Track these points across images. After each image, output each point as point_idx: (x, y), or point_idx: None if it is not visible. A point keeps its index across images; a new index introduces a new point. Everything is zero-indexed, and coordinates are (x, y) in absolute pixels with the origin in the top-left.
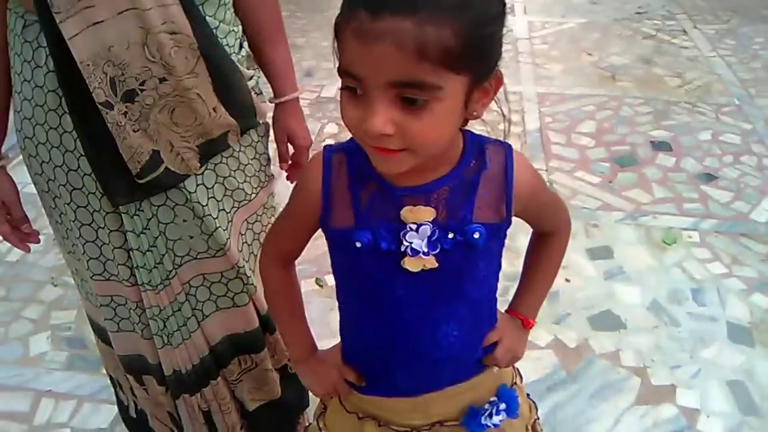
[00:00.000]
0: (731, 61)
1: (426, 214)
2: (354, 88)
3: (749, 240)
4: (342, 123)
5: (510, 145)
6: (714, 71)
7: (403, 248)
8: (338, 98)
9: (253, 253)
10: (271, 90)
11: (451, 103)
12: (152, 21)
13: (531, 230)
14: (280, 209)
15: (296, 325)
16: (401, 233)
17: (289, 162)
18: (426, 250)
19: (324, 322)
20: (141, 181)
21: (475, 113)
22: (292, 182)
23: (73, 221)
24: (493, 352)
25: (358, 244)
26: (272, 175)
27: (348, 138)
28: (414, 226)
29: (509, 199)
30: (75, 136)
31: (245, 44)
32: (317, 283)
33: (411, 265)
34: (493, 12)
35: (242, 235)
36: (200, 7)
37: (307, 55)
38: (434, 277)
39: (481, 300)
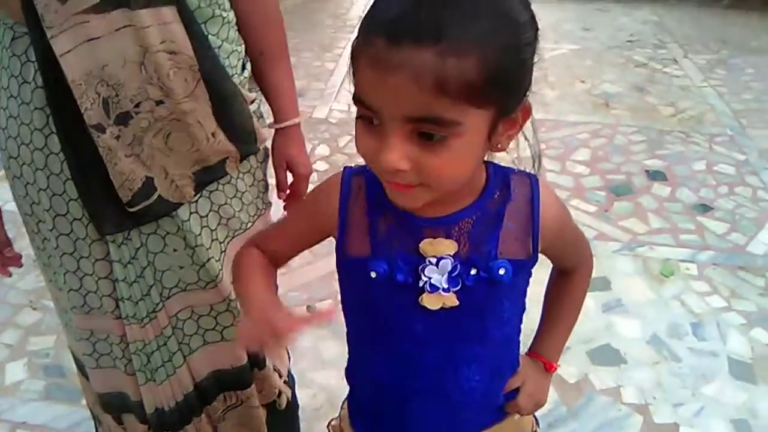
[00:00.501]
0: (723, 92)
1: (447, 247)
2: (369, 117)
3: (747, 273)
4: (333, 145)
5: (536, 177)
6: (706, 101)
7: (421, 283)
8: (329, 119)
9: None
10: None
11: (472, 138)
12: (151, 39)
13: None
14: None
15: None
16: (420, 267)
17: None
18: (446, 286)
19: (316, 351)
20: (132, 210)
21: (499, 145)
22: None
23: (55, 249)
24: (516, 399)
25: (373, 274)
26: (270, 202)
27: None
28: (434, 260)
29: (536, 234)
30: (62, 158)
31: (248, 65)
32: (308, 311)
33: (430, 302)
34: (525, 38)
35: None
36: (203, 26)
37: (298, 75)
38: (455, 316)
39: (505, 341)
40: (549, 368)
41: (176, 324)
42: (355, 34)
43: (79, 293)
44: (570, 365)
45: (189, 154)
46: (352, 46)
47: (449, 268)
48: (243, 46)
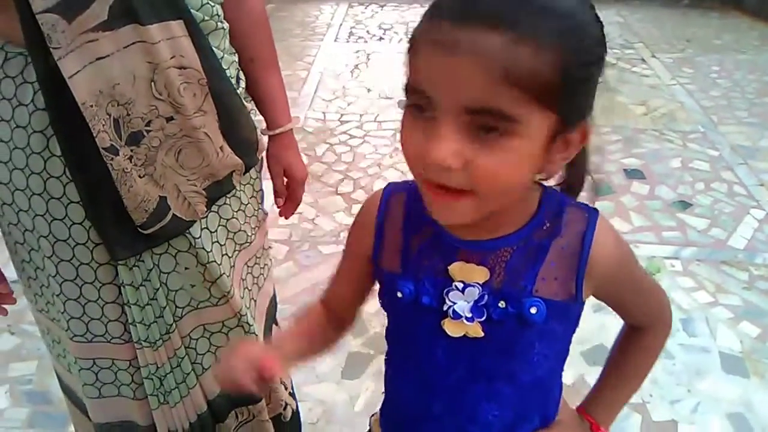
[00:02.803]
0: (692, 89)
1: (478, 274)
2: (420, 107)
3: (730, 267)
4: (310, 154)
5: (597, 211)
6: (676, 99)
7: (445, 307)
8: (305, 128)
9: (253, 299)
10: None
11: (531, 144)
12: (161, 55)
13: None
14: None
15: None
16: (445, 290)
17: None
18: (469, 315)
19: (308, 366)
20: (146, 232)
21: (551, 166)
22: (286, 218)
23: (53, 277)
24: None
25: (399, 294)
26: (266, 212)
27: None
28: (460, 285)
29: (581, 275)
30: (64, 182)
31: (242, 74)
32: None
33: (451, 328)
34: (596, 52)
35: (243, 280)
36: (207, 38)
37: None
38: (478, 348)
39: (535, 386)
40: (595, 428)
41: (189, 344)
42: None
43: (81, 321)
44: (566, 368)
45: (200, 170)
46: (413, 34)
47: (476, 297)
48: (236, 55)
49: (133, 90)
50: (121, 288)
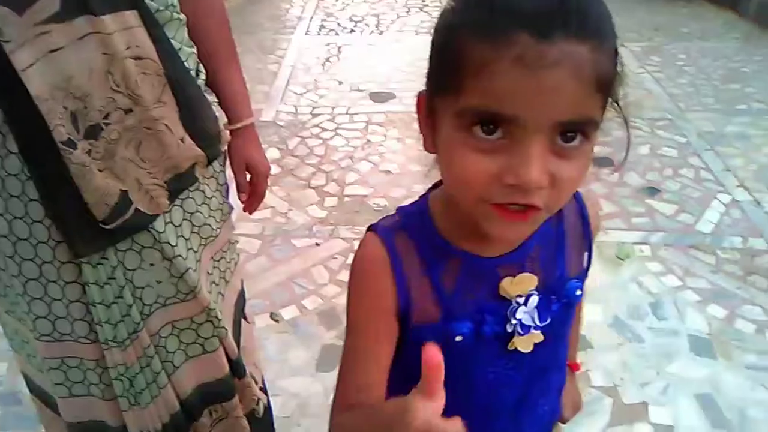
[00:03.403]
0: (659, 77)
1: (529, 282)
2: (489, 129)
3: (698, 251)
4: (282, 148)
5: None
6: (644, 87)
7: (510, 328)
8: (277, 122)
9: (221, 293)
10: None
11: (593, 145)
12: (116, 46)
13: None
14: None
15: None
16: (508, 311)
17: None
18: (538, 323)
19: (282, 359)
20: (107, 227)
21: None
22: (250, 214)
23: (16, 277)
24: (562, 410)
25: (459, 338)
26: (232, 206)
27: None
28: (521, 300)
29: (590, 244)
30: (23, 179)
31: (201, 67)
32: (272, 318)
33: (523, 344)
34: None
35: (210, 274)
36: (163, 28)
37: None
38: (537, 350)
39: (565, 360)
40: (575, 368)
41: (158, 342)
42: (447, 28)
43: (47, 320)
44: None
45: (161, 162)
46: (457, 46)
47: (536, 303)
48: (195, 48)
49: (90, 82)
50: (86, 287)
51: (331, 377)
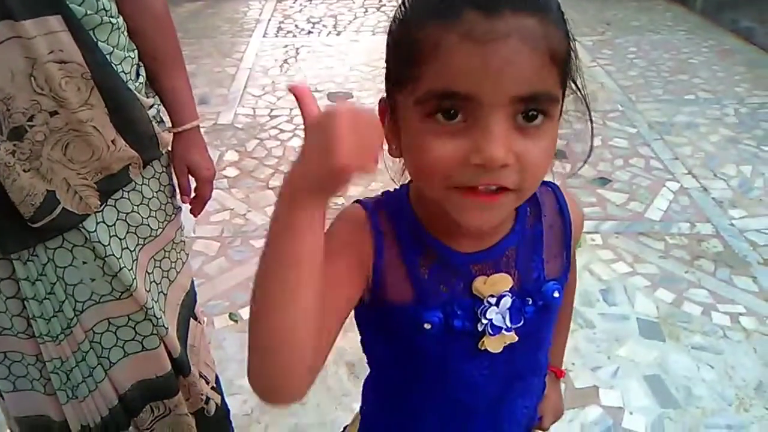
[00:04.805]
0: (611, 70)
1: (503, 283)
2: (450, 114)
3: (647, 238)
4: (241, 150)
5: (556, 185)
6: (597, 80)
7: (480, 327)
8: (235, 125)
9: (162, 292)
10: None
11: (556, 126)
12: (38, 50)
13: None
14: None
15: None
16: (479, 310)
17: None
18: (510, 325)
19: (241, 358)
20: (35, 226)
21: None
22: (195, 216)
23: None
24: (542, 416)
25: (428, 326)
26: (180, 207)
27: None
28: (493, 300)
29: (569, 244)
30: None
31: (142, 71)
32: (231, 318)
33: (493, 345)
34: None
35: (149, 273)
36: (91, 33)
37: (199, 81)
38: (513, 352)
39: (546, 364)
40: (559, 375)
41: (93, 338)
42: (401, 23)
43: None
44: None
45: (90, 164)
46: (414, 37)
47: (509, 305)
48: (136, 51)
49: (12, 85)
50: (19, 283)
51: None
